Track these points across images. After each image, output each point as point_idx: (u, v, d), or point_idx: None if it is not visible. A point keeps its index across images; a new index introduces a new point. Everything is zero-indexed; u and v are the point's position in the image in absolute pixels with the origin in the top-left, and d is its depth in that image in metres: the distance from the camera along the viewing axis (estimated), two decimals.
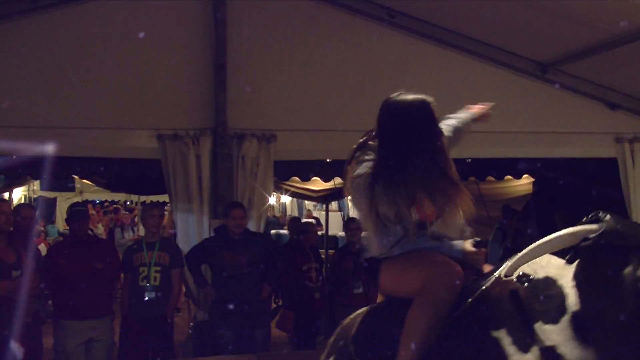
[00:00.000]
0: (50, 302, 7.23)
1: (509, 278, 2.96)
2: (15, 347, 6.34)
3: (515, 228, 10.40)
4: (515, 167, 10.84)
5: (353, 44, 8.01)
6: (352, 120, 7.73)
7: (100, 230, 16.09)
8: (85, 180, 13.59)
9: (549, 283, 2.84)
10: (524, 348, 2.75)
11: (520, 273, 2.94)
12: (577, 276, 2.78)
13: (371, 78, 7.81)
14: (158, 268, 7.25)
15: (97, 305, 6.96)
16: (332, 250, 11.81)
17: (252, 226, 7.72)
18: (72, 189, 19.56)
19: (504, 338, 2.81)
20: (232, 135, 7.79)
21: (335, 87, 7.93)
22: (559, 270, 2.86)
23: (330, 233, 14.34)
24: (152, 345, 7.08)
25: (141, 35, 7.42)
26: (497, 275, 3.01)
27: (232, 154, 7.77)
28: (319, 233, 15.81)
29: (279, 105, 7.89)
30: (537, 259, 2.97)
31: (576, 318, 2.70)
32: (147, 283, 7.19)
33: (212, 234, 7.49)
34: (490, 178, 11.43)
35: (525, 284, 2.88)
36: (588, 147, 8.47)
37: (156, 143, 7.67)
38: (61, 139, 7.33)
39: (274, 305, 9.67)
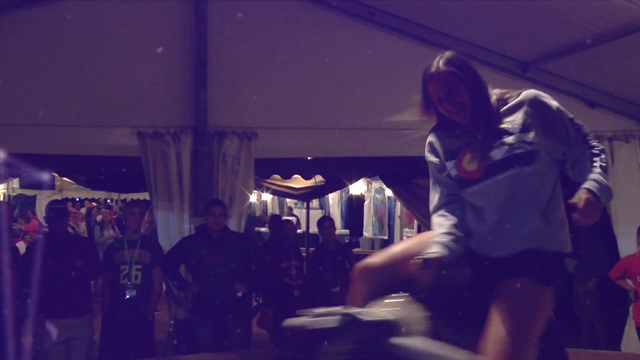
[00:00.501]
0: (29, 300, 7.17)
1: None
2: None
3: None
4: None
5: (334, 42, 8.01)
6: (333, 119, 7.77)
7: (83, 228, 15.98)
8: (65, 178, 13.48)
9: None
10: None
11: None
12: None
13: (352, 76, 7.84)
14: (139, 266, 7.22)
15: (76, 304, 6.92)
16: (313, 248, 11.80)
17: (233, 224, 7.70)
18: (52, 187, 19.44)
19: None
20: (213, 132, 7.77)
21: (316, 85, 7.94)
22: None
23: (311, 231, 14.33)
24: (133, 344, 7.05)
25: (122, 32, 7.41)
26: None
27: (212, 152, 7.76)
28: (300, 231, 15.87)
29: (260, 103, 7.87)
30: None
31: None
32: (128, 281, 7.16)
33: (193, 232, 7.47)
34: None
35: None
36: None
37: (137, 141, 7.64)
38: (41, 136, 7.30)
39: (254, 304, 9.65)
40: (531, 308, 2.85)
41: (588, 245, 9.21)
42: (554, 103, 3.11)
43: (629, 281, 8.10)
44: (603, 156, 2.98)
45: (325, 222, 9.06)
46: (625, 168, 8.38)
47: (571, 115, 2.99)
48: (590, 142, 3.05)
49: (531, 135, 2.95)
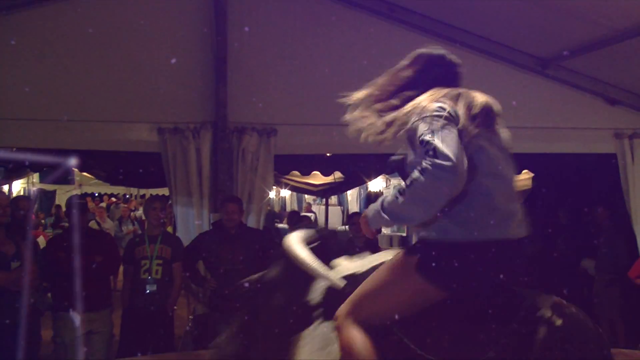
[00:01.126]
0: (49, 294, 7.23)
1: None
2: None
3: None
4: (515, 162, 10.83)
5: (354, 39, 8.01)
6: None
7: (110, 224, 15.98)
8: (84, 173, 13.56)
9: None
10: None
11: None
12: None
13: (372, 73, 7.79)
14: (160, 261, 7.25)
15: (95, 298, 6.96)
16: None
17: (252, 220, 7.73)
18: (72, 182, 19.54)
19: None
20: (233, 129, 7.80)
21: (336, 81, 7.87)
22: None
23: (329, 227, 14.34)
24: (153, 338, 7.09)
25: (141, 28, 7.43)
26: None
27: (232, 148, 7.78)
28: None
29: (280, 99, 7.90)
30: None
31: None
32: (149, 276, 7.19)
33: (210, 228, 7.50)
34: None
35: None
36: (588, 143, 8.48)
37: (156, 136, 7.68)
38: (61, 131, 7.35)
39: None
40: (385, 272, 3.23)
41: (607, 245, 9.18)
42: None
43: None
44: (402, 188, 3.00)
45: (355, 217, 8.98)
46: None
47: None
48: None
49: None
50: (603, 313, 9.16)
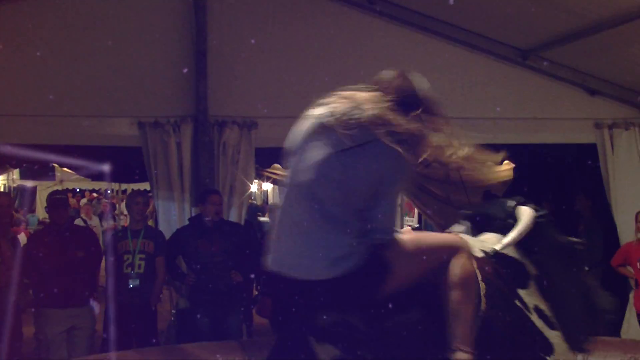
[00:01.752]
0: (30, 291, 7.19)
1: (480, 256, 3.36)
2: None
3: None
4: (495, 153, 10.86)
5: (334, 31, 8.00)
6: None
7: (96, 221, 15.87)
8: (65, 169, 13.49)
9: (504, 257, 3.46)
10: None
11: (482, 251, 3.41)
12: (522, 248, 3.51)
13: (352, 65, 7.81)
14: (142, 256, 7.22)
15: (77, 294, 6.93)
16: None
17: (234, 213, 7.72)
18: (53, 178, 19.42)
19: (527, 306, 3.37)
20: (213, 122, 7.79)
21: (316, 73, 7.91)
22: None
23: None
24: (136, 333, 7.07)
25: (121, 22, 7.41)
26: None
27: (213, 141, 7.77)
28: None
29: (260, 92, 7.88)
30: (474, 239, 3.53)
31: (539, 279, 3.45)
32: (132, 270, 7.17)
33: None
34: None
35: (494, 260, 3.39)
36: (568, 133, 8.53)
37: (137, 130, 7.66)
38: (41, 126, 7.31)
39: (256, 292, 9.67)
40: None
41: (587, 234, 9.24)
42: None
43: (629, 268, 8.11)
44: None
45: None
46: (625, 156, 8.40)
47: None
48: None
49: None
50: None
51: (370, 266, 2.85)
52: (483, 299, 3.12)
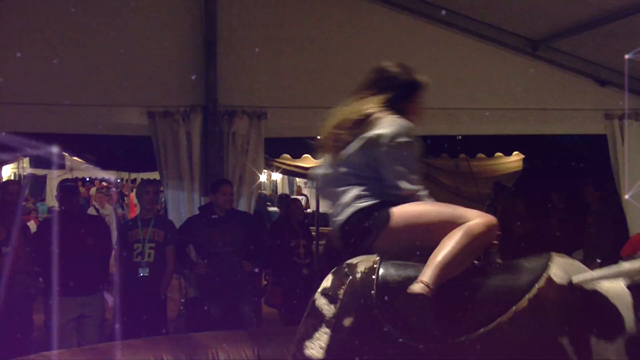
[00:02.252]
0: (40, 279, 7.23)
1: (560, 283, 3.13)
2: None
3: (504, 204, 10.43)
4: (505, 144, 10.86)
5: (344, 21, 7.99)
6: (344, 97, 7.75)
7: (109, 210, 15.86)
8: (75, 158, 13.53)
9: (603, 300, 3.11)
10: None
11: (571, 282, 3.15)
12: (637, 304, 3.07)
13: (362, 55, 7.79)
14: (152, 245, 7.24)
15: (87, 282, 6.96)
16: (323, 228, 11.81)
17: (243, 203, 7.73)
18: (63, 167, 19.47)
19: (568, 347, 3.04)
20: (223, 112, 7.78)
21: (326, 63, 7.92)
22: (613, 292, 3.13)
23: (321, 210, 14.35)
24: (146, 321, 7.09)
25: (131, 11, 7.41)
26: (547, 277, 3.16)
27: (222, 131, 7.76)
28: (310, 210, 15.89)
29: (270, 82, 7.88)
30: (586, 273, 3.20)
31: (631, 341, 3.01)
32: (142, 259, 7.19)
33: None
34: (481, 155, 11.45)
35: (579, 295, 3.10)
36: (577, 124, 8.51)
37: (147, 120, 7.66)
38: (51, 115, 7.32)
39: (264, 282, 9.70)
40: None
41: (596, 225, 9.22)
42: None
43: None
44: None
45: None
46: (636, 146, 8.36)
47: None
48: None
49: None
50: None
51: (371, 216, 3.36)
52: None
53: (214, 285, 7.08)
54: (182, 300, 7.86)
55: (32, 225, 11.13)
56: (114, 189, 19.24)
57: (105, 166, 14.06)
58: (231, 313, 7.14)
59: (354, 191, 3.43)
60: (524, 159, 11.69)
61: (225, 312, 7.13)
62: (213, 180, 7.48)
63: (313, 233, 10.65)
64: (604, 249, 8.71)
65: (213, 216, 7.20)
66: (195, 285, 7.43)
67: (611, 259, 8.35)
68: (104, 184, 22.26)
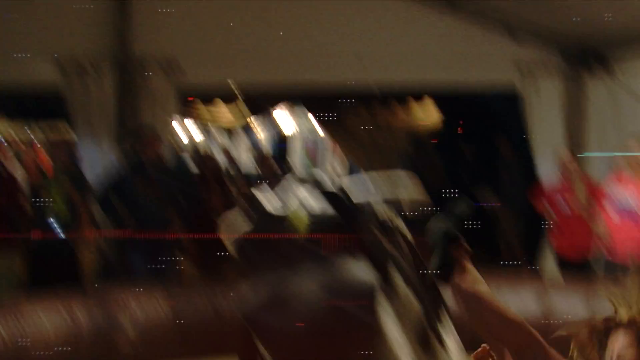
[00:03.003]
0: None
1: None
2: None
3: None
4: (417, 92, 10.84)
5: None
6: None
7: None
8: None
9: None
10: None
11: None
12: None
13: (277, 5, 7.77)
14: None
15: None
16: None
17: None
18: None
19: None
20: (137, 64, 7.69)
21: (242, 12, 7.85)
22: None
23: None
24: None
25: None
26: None
27: (136, 83, 7.68)
28: None
29: (187, 32, 7.81)
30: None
31: None
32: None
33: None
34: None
35: None
36: (489, 74, 8.56)
37: (58, 73, 7.48)
38: None
39: None
40: None
41: (507, 173, 9.52)
42: None
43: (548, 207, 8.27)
44: None
45: None
46: (546, 97, 8.54)
47: None
48: None
49: None
50: None
51: None
52: None
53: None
54: None
55: None
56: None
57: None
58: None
59: None
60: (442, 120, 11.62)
61: None
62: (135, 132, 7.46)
63: None
64: (517, 193, 9.01)
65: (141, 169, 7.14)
66: None
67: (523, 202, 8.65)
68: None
